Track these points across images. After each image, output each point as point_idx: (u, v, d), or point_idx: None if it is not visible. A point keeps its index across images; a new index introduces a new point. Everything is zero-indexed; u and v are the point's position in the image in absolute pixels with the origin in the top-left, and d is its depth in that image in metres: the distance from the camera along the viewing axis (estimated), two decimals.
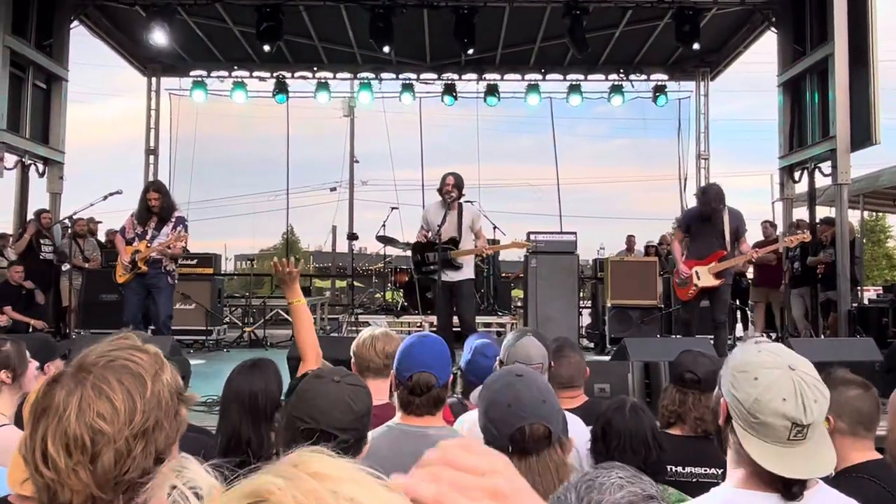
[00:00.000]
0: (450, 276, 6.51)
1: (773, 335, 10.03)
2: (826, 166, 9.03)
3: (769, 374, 1.38)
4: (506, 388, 1.75)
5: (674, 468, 2.43)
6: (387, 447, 2.18)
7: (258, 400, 2.39)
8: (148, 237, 6.95)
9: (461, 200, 6.58)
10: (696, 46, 10.35)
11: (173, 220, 7.04)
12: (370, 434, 2.23)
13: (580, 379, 3.04)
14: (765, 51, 11.25)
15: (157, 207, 7.01)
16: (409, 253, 12.06)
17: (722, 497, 1.46)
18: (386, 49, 10.47)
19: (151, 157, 13.04)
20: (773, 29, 10.51)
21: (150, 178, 12.69)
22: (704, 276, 6.47)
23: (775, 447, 1.36)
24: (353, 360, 2.90)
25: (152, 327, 7.09)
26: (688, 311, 6.80)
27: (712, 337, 6.39)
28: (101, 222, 11.21)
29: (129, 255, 6.92)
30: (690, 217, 6.81)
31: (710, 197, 6.50)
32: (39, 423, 1.02)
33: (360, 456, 1.91)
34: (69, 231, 9.29)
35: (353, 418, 1.74)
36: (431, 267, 6.60)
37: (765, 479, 1.38)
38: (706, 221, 6.51)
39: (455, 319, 6.71)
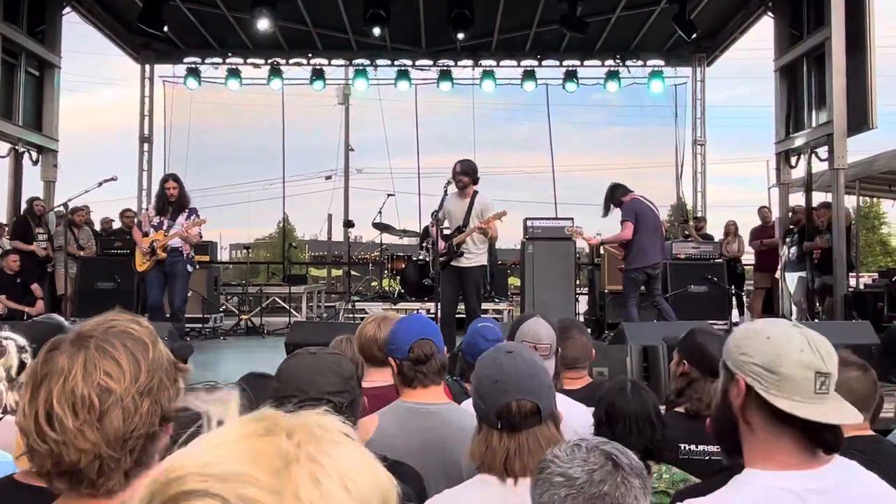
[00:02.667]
0: (460, 261, 6.54)
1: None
2: (823, 151, 9.03)
3: (779, 331, 1.41)
4: (493, 363, 1.77)
5: (687, 446, 2.37)
6: (394, 425, 2.17)
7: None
8: (164, 227, 7.37)
9: (475, 189, 6.59)
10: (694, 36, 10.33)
11: (187, 210, 7.51)
12: (377, 414, 2.22)
13: (586, 360, 3.02)
14: (761, 37, 11.24)
15: (174, 196, 7.46)
16: (405, 241, 12.07)
17: (759, 483, 1.39)
18: (377, 31, 10.32)
19: (146, 146, 12.95)
20: (769, 14, 10.48)
21: (145, 167, 12.80)
22: None
23: (804, 403, 1.36)
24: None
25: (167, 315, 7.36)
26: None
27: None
28: (92, 211, 11.13)
29: (147, 244, 7.31)
30: None
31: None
32: (41, 389, 1.02)
33: (366, 437, 1.90)
34: (64, 219, 9.23)
35: (340, 381, 1.73)
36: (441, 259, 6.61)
37: (795, 457, 1.37)
38: None
39: (458, 306, 6.73)
